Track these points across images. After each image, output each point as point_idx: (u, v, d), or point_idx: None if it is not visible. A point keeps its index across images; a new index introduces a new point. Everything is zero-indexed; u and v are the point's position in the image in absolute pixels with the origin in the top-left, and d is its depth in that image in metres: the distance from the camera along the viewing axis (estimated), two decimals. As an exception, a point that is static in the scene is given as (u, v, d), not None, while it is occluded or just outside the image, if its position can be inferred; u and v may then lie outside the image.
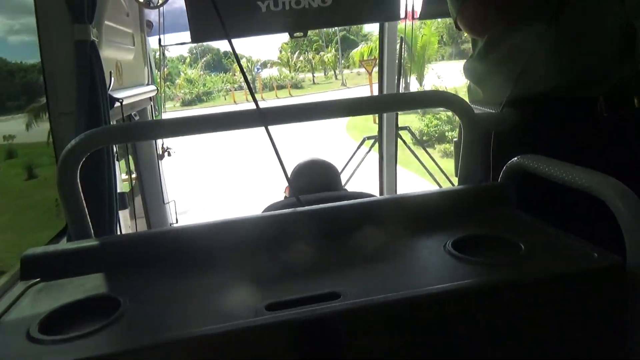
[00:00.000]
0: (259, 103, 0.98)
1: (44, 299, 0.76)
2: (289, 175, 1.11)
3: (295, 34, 2.72)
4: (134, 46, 2.23)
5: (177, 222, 2.65)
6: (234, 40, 1.13)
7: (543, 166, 0.85)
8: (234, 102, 26.76)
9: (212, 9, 2.52)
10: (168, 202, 2.63)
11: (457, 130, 1.25)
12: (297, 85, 30.16)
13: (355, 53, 25.36)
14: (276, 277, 0.76)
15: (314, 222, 0.92)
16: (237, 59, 1.07)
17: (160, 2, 2.34)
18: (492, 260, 0.72)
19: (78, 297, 0.74)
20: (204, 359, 0.61)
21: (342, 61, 31.74)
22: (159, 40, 2.60)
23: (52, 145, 1.52)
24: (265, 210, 1.33)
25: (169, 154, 2.69)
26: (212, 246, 0.86)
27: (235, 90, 29.21)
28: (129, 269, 0.82)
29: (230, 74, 32.50)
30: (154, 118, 2.54)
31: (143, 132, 1.01)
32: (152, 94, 2.45)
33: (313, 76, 32.54)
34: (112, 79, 1.66)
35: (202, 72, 32.39)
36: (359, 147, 3.38)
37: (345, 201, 0.96)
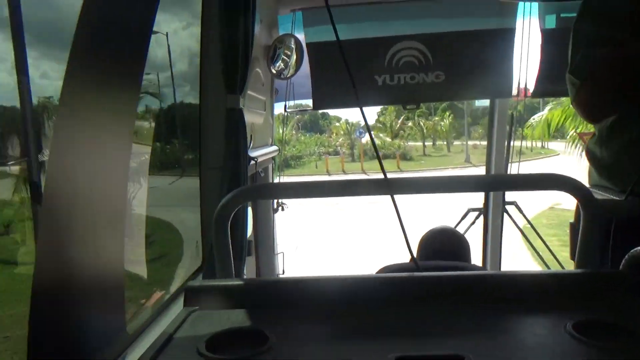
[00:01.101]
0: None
1: (203, 324, 0.91)
2: (410, 240, 1.20)
3: (408, 106, 2.89)
4: (265, 111, 2.52)
5: (283, 272, 2.81)
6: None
7: None
8: (327, 172, 23.25)
9: (332, 81, 2.80)
10: (277, 254, 2.82)
11: (574, 211, 1.27)
12: (404, 156, 27.08)
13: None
14: (402, 332, 0.84)
15: (433, 287, 1.00)
16: (368, 126, 1.21)
17: (290, 74, 2.64)
18: (615, 346, 0.73)
19: (232, 326, 0.88)
20: None
21: (467, 130, 29.12)
22: (284, 106, 2.90)
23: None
24: (380, 271, 1.42)
25: (283, 209, 2.91)
26: (341, 298, 0.97)
27: (330, 155, 27.09)
28: (273, 308, 0.95)
29: (327, 135, 31.68)
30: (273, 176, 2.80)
31: (285, 192, 1.18)
32: (275, 154, 2.71)
33: (424, 145, 30.51)
34: (252, 140, 1.91)
35: (294, 132, 29.90)
36: (462, 219, 3.36)
37: (465, 271, 1.03)
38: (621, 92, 1.19)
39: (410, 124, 29.99)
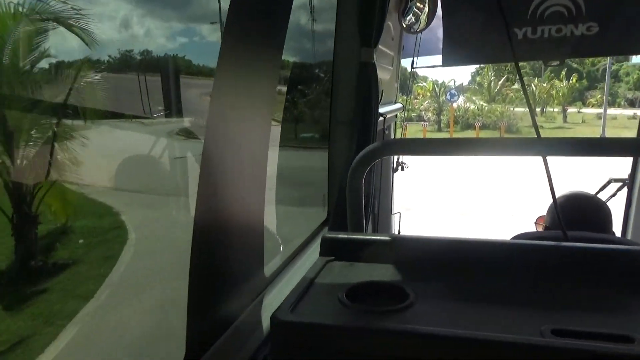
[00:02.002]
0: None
1: (340, 274, 0.93)
2: (554, 207, 1.10)
3: (550, 63, 2.62)
4: (392, 67, 2.45)
5: (399, 233, 2.79)
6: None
7: None
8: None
9: (465, 36, 2.62)
10: (395, 214, 2.79)
11: None
12: (509, 129, 22.52)
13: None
14: (558, 304, 0.78)
15: (584, 259, 0.90)
16: (523, 84, 1.11)
17: (421, 28, 2.52)
18: None
19: (369, 279, 0.88)
20: None
21: (606, 98, 23.32)
22: (412, 62, 2.79)
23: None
24: (515, 238, 1.33)
25: (403, 169, 2.85)
26: (481, 262, 0.92)
27: (412, 122, 22.89)
28: (411, 265, 0.93)
29: (412, 97, 27.61)
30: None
31: (425, 148, 1.13)
32: (400, 112, 2.64)
33: (533, 115, 26.95)
34: (381, 95, 1.87)
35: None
36: (602, 189, 3.04)
37: (618, 246, 0.92)
38: None
39: (516, 85, 24.87)
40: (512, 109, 24.67)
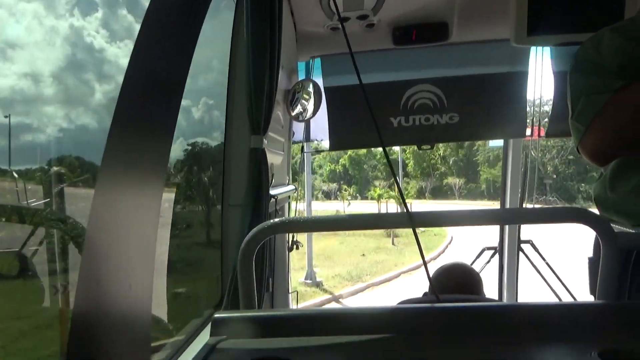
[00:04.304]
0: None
1: (231, 352, 0.94)
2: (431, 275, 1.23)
3: (423, 147, 2.96)
4: (283, 152, 2.60)
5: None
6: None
7: None
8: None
9: (349, 123, 2.88)
10: (292, 292, 2.82)
11: (593, 245, 1.29)
12: None
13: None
14: None
15: (454, 318, 1.02)
16: (390, 163, 1.26)
17: (308, 117, 2.74)
18: None
19: (259, 355, 0.91)
20: None
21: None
22: (302, 147, 2.99)
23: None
24: (399, 304, 1.44)
25: (297, 247, 2.94)
26: (363, 329, 0.99)
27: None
28: (299, 337, 0.98)
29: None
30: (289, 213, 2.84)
31: (311, 225, 1.22)
32: (293, 193, 2.77)
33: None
34: (272, 179, 1.97)
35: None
36: (477, 258, 3.35)
37: (485, 303, 1.05)
38: (627, 140, 1.19)
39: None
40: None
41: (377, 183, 31.16)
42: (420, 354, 0.90)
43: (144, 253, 1.05)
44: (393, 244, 16.25)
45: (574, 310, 1.01)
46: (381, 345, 0.94)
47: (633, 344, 0.86)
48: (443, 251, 15.13)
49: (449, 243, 16.59)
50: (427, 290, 1.81)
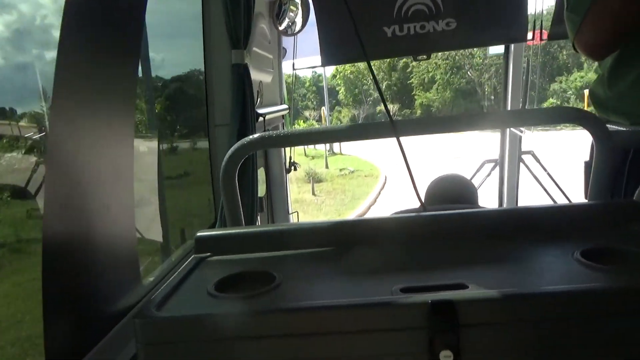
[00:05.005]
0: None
1: (214, 269, 0.93)
2: (418, 186, 1.19)
3: (418, 57, 2.83)
4: (273, 69, 2.49)
5: None
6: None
7: None
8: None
9: (340, 36, 2.74)
10: (292, 213, 2.84)
11: (590, 149, 1.24)
12: None
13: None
14: (408, 267, 0.85)
15: (439, 225, 0.99)
16: (375, 78, 1.19)
17: (297, 30, 2.59)
18: (623, 268, 0.73)
19: (241, 269, 0.90)
20: (346, 326, 0.71)
21: None
22: (292, 64, 2.87)
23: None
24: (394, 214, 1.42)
25: (295, 169, 2.91)
26: (349, 240, 0.97)
27: None
28: (280, 252, 0.96)
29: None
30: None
31: (291, 139, 1.17)
32: (285, 112, 2.69)
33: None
34: (259, 97, 1.89)
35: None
36: (477, 171, 3.33)
37: (471, 209, 1.02)
38: (624, 26, 1.13)
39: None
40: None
41: (307, 114, 30.53)
42: (404, 260, 0.89)
43: (120, 174, 1.02)
44: (314, 194, 12.09)
45: (560, 212, 0.98)
46: (369, 254, 0.92)
47: (616, 241, 0.84)
48: (375, 201, 11.05)
49: (382, 187, 12.42)
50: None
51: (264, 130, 1.99)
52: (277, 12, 2.43)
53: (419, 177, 1.11)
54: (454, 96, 29.03)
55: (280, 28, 2.48)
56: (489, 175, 3.35)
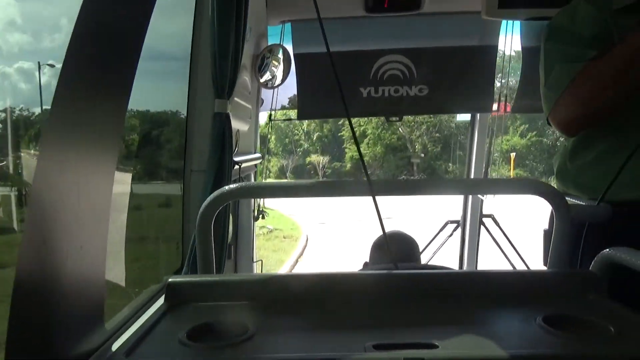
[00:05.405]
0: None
1: (185, 316, 0.93)
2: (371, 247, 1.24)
3: (391, 119, 2.95)
4: (250, 119, 2.55)
5: None
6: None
7: (635, 259, 0.91)
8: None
9: (318, 92, 2.84)
10: (256, 261, 2.82)
11: (549, 218, 1.32)
12: None
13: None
14: (380, 324, 0.87)
15: (411, 284, 1.03)
16: (354, 135, 1.25)
17: (277, 84, 2.68)
18: (582, 336, 0.78)
19: (214, 318, 0.90)
20: None
21: None
22: (269, 115, 2.94)
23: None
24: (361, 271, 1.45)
25: (263, 217, 2.92)
26: (322, 294, 0.99)
27: None
28: (253, 302, 0.97)
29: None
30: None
31: (270, 191, 1.20)
32: (258, 162, 2.73)
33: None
34: (237, 146, 1.93)
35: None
36: (440, 230, 3.42)
37: (442, 270, 1.07)
38: (595, 109, 1.21)
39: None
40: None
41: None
42: (377, 317, 0.92)
43: (96, 214, 1.02)
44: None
45: (523, 278, 1.04)
46: (342, 309, 0.94)
47: (574, 309, 0.89)
48: (296, 262, 9.78)
49: (302, 253, 10.81)
50: (366, 260, 1.83)
51: (239, 178, 2.02)
52: (260, 64, 2.52)
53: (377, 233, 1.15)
54: (385, 151, 28.65)
55: (262, 80, 2.56)
56: (450, 235, 3.44)
